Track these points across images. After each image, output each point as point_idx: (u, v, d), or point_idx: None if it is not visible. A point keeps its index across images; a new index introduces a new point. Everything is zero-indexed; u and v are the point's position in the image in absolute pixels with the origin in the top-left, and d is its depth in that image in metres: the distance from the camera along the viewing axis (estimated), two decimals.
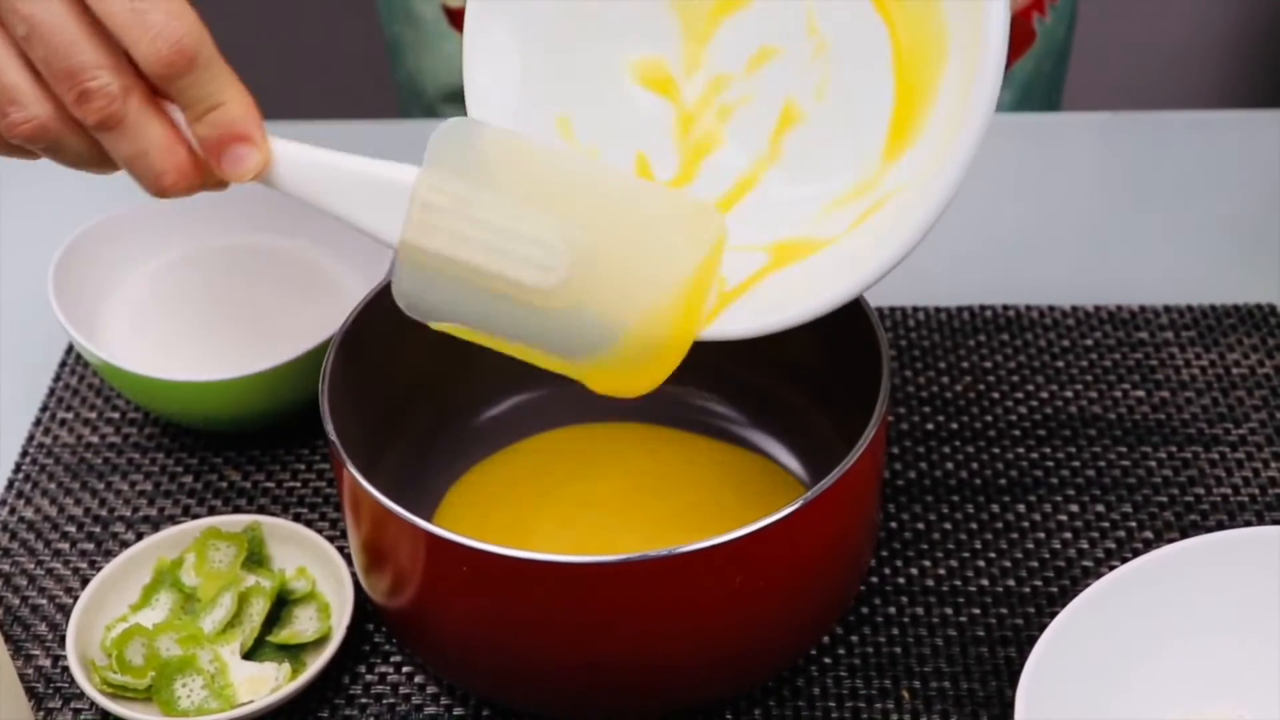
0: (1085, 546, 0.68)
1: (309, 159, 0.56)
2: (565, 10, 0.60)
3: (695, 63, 0.62)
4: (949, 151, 0.52)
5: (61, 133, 0.53)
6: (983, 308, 0.80)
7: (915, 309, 0.81)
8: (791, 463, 0.69)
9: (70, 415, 0.77)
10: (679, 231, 0.56)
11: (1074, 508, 0.70)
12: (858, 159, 0.58)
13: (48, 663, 0.65)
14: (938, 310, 0.80)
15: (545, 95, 0.61)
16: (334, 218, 0.56)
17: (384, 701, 0.63)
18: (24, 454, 0.75)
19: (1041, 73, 0.99)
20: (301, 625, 0.64)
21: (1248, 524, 0.69)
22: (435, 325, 0.57)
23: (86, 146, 0.54)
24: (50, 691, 0.64)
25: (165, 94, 0.54)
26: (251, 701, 0.61)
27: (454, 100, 1.03)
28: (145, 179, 0.54)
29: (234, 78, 0.54)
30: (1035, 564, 0.67)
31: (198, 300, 0.77)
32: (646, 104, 0.62)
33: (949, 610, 0.66)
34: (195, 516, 0.71)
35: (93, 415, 0.77)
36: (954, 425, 0.74)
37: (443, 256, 0.54)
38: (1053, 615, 0.58)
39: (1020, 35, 0.69)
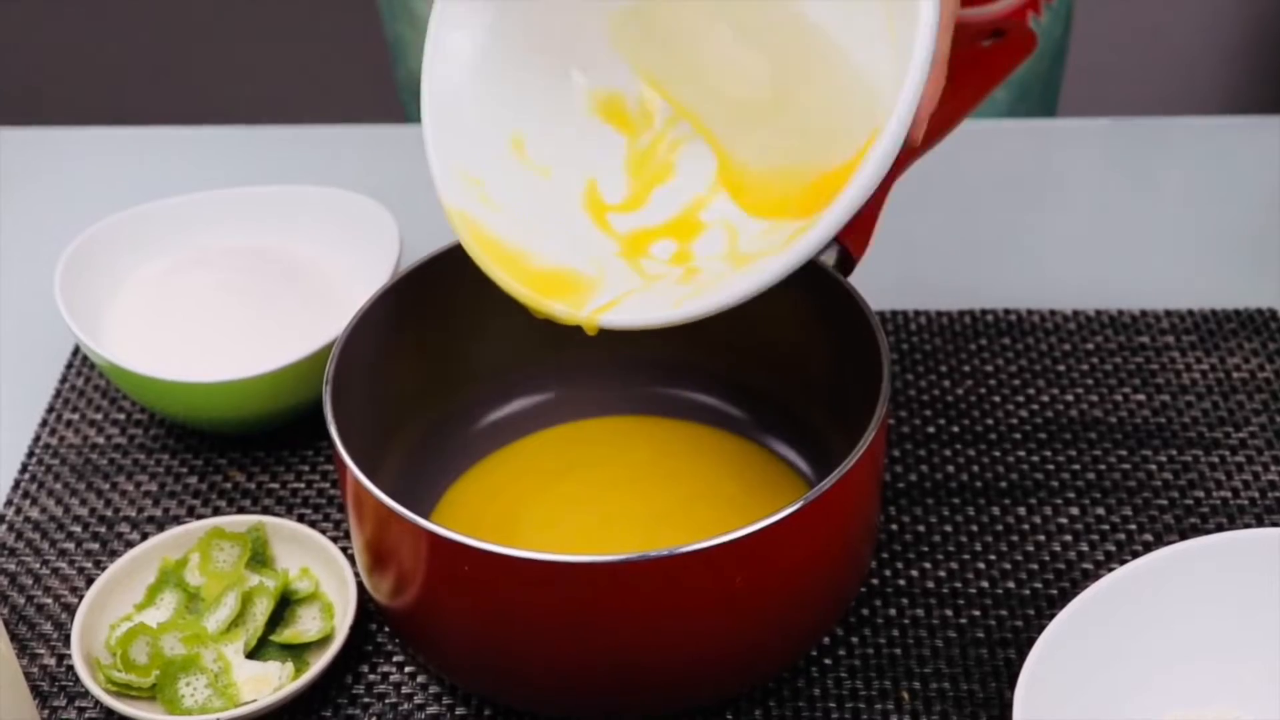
0: (1085, 549, 0.68)
1: None
2: (528, 32, 0.61)
3: (651, 106, 0.63)
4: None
5: None
6: (984, 311, 0.81)
7: (917, 313, 0.81)
8: (794, 463, 0.69)
9: (76, 416, 0.77)
10: (842, 130, 0.58)
11: (1074, 510, 0.70)
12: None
13: (52, 661, 0.66)
14: (939, 314, 0.81)
15: (501, 109, 0.62)
16: None
17: (386, 701, 0.64)
18: (30, 455, 0.75)
19: (1037, 73, 0.99)
20: (305, 625, 0.65)
21: (1248, 527, 0.69)
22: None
23: None
24: (55, 690, 0.65)
25: None
26: (255, 700, 0.61)
27: None
28: None
29: None
30: (1035, 566, 0.68)
31: (203, 302, 0.77)
32: (602, 133, 0.63)
33: (949, 612, 0.66)
34: (200, 517, 0.71)
35: (98, 416, 0.77)
36: (955, 428, 0.74)
37: (668, 27, 0.60)
38: (1052, 617, 0.58)
39: (1018, 41, 0.69)
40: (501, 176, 0.61)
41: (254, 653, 0.64)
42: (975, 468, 0.72)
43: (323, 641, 0.64)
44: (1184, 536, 0.69)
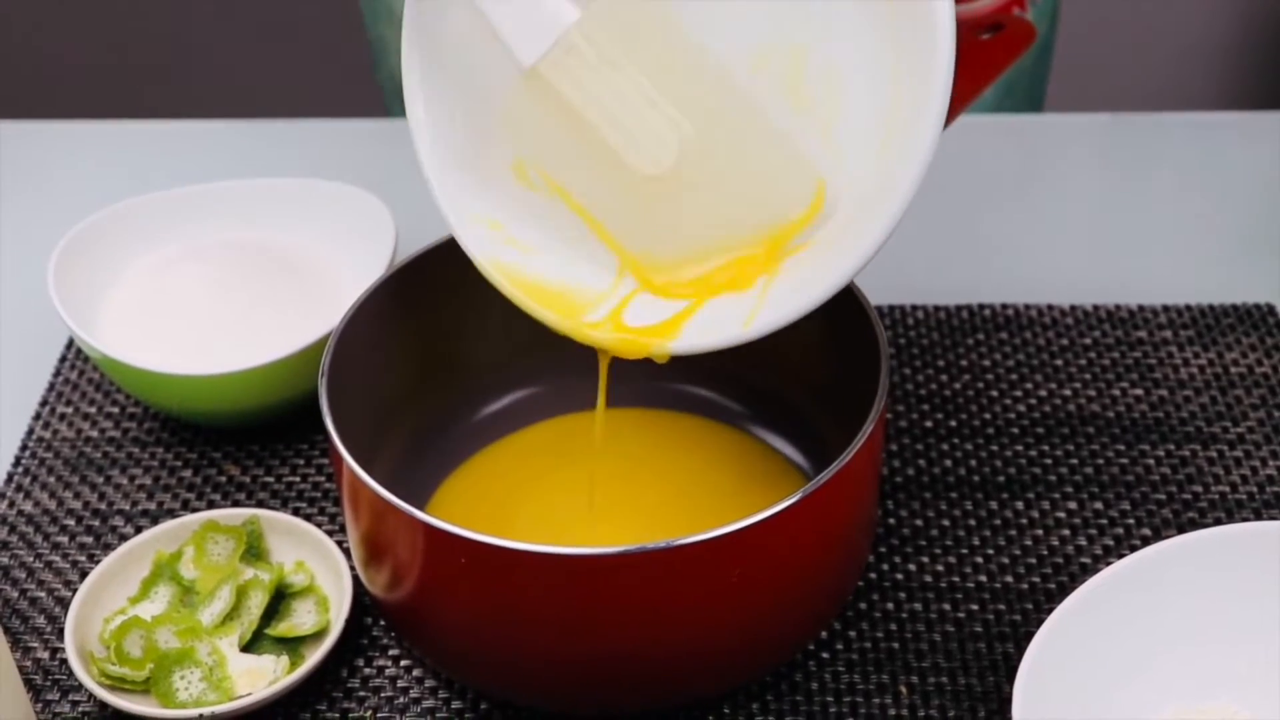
0: (1083, 543, 0.68)
1: None
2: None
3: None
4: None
5: None
6: (981, 306, 0.81)
7: (914, 307, 0.81)
8: (791, 457, 0.69)
9: (69, 409, 0.77)
10: (777, 187, 0.56)
11: (1072, 505, 0.70)
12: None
13: (46, 655, 0.65)
14: (937, 309, 0.81)
15: (497, 140, 0.61)
16: (481, 12, 0.57)
17: (382, 694, 0.63)
18: (23, 448, 0.75)
19: (1023, 70, 0.99)
20: (300, 618, 0.64)
21: (1246, 521, 0.69)
22: (518, 160, 0.58)
23: None
24: (49, 683, 0.64)
25: None
26: (250, 694, 0.61)
27: None
28: None
29: None
30: (1033, 560, 0.67)
31: (198, 295, 0.77)
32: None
33: (947, 606, 0.66)
34: (194, 511, 0.71)
35: (92, 409, 0.77)
36: (952, 423, 0.74)
37: (567, 100, 0.55)
38: (1050, 611, 0.58)
39: (1017, 34, 0.69)
40: (517, 212, 0.60)
41: (249, 646, 0.63)
42: (973, 462, 0.72)
43: (318, 635, 0.64)
44: (1182, 531, 0.68)
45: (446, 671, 0.63)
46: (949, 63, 0.52)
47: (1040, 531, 0.69)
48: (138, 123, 0.99)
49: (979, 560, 0.68)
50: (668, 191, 0.56)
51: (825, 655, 0.64)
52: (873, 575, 0.67)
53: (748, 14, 0.56)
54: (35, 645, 0.66)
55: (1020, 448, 0.73)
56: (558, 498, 0.67)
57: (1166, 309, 0.80)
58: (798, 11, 0.55)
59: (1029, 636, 0.58)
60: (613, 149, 0.56)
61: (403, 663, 0.65)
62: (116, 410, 0.77)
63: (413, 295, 0.66)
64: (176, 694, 0.61)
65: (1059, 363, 0.77)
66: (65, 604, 0.67)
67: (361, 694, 0.63)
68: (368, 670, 0.64)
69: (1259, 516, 0.69)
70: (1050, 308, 0.80)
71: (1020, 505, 0.70)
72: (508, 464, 0.69)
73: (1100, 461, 0.72)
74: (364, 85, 1.33)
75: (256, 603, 0.64)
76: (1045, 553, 0.68)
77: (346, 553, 0.65)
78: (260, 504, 0.71)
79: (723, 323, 0.57)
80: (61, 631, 0.66)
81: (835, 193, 0.56)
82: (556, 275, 0.60)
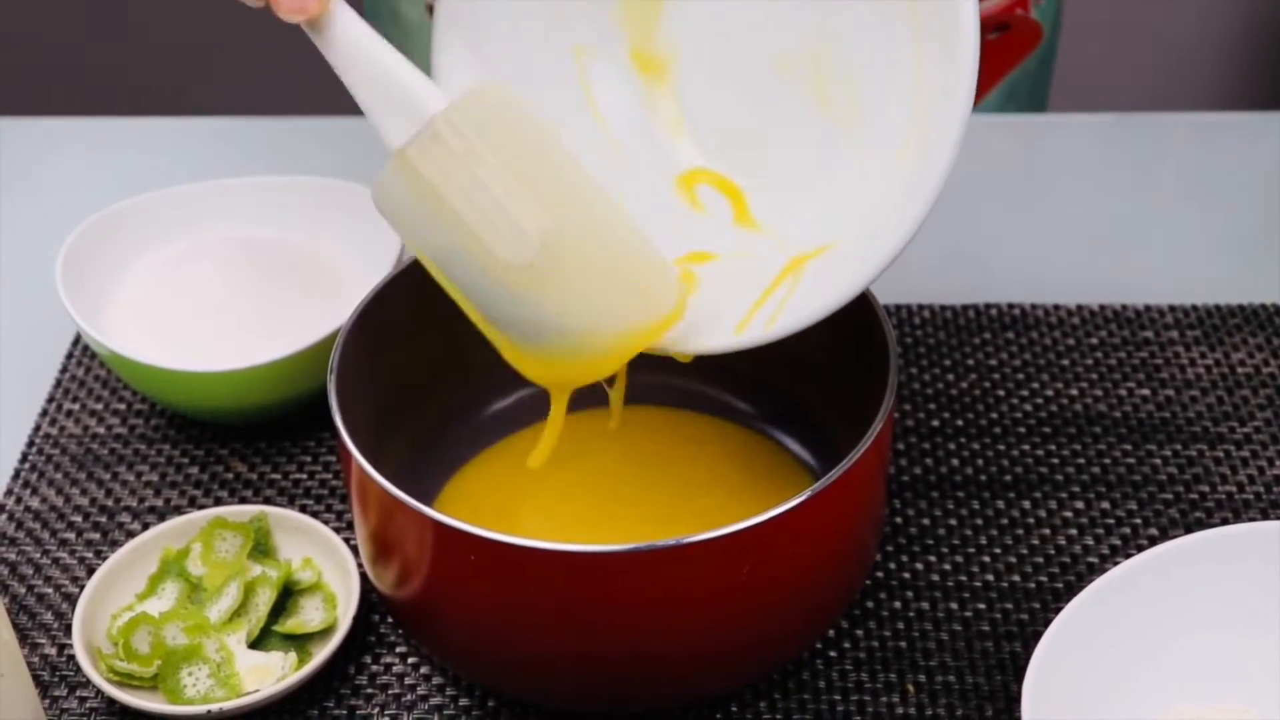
0: (1090, 543, 0.68)
1: (359, 33, 0.57)
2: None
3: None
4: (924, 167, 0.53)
5: None
6: (988, 306, 0.81)
7: (921, 306, 0.81)
8: (800, 456, 0.69)
9: (77, 406, 0.77)
10: (640, 289, 0.57)
11: (1079, 504, 0.70)
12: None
13: (54, 651, 0.65)
14: (943, 308, 0.81)
15: None
16: (353, 97, 0.58)
17: (389, 692, 0.63)
18: (30, 444, 0.75)
19: (1027, 70, 0.99)
20: (307, 615, 0.64)
21: (1253, 520, 0.69)
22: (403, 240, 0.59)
23: None
24: (56, 680, 0.64)
25: None
26: (257, 690, 0.61)
27: None
28: None
29: None
30: (1040, 560, 0.68)
31: (205, 292, 0.77)
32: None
33: (954, 605, 0.66)
34: (201, 507, 0.71)
35: (99, 406, 0.77)
36: (959, 422, 0.74)
37: (431, 186, 0.55)
38: (1057, 610, 0.58)
39: (1023, 33, 0.69)
40: None
41: (256, 643, 0.64)
42: (980, 461, 0.72)
43: (325, 632, 0.64)
44: (1188, 531, 0.68)
45: (454, 669, 0.63)
46: (971, 77, 0.52)
47: (1047, 531, 0.69)
48: (145, 120, 0.99)
49: (986, 559, 0.68)
50: (532, 284, 0.56)
51: (833, 653, 0.64)
52: (880, 574, 0.67)
53: (773, 20, 0.57)
54: (43, 641, 0.66)
55: (1027, 447, 0.73)
56: (565, 496, 0.67)
57: (1173, 309, 0.80)
58: (820, 17, 0.56)
59: (1036, 635, 0.58)
60: (476, 237, 0.55)
61: (410, 660, 0.65)
62: (124, 407, 0.77)
63: (421, 292, 0.66)
64: (184, 690, 0.61)
65: (1065, 362, 0.77)
66: (73, 600, 0.67)
67: (369, 691, 0.63)
68: (375, 667, 0.64)
69: (1265, 516, 0.69)
70: (1056, 307, 0.80)
71: (1027, 504, 0.70)
72: (515, 461, 0.69)
73: (1107, 461, 0.72)
74: None
75: (264, 599, 0.64)
76: (1052, 552, 0.68)
77: (354, 550, 0.65)
78: (267, 501, 0.71)
79: (750, 324, 0.58)
80: (69, 628, 0.66)
81: (855, 201, 0.57)
82: None
